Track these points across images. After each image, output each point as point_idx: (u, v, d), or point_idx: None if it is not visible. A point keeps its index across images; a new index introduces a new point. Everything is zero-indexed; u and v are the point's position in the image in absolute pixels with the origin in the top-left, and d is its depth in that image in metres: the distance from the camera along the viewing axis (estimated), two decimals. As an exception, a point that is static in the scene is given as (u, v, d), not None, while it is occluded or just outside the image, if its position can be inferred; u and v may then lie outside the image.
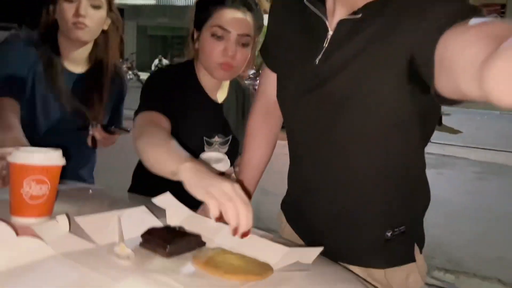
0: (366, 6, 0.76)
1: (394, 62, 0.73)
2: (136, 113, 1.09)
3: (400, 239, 0.90)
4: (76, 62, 1.33)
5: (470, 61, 0.52)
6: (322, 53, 0.82)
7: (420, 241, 0.96)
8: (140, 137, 0.95)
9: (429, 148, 0.90)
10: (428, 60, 0.65)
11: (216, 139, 1.24)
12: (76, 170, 1.39)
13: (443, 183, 5.02)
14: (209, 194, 0.72)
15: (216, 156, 1.16)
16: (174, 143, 0.89)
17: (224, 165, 1.13)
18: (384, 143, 0.82)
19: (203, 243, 0.80)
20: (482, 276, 2.84)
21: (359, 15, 0.76)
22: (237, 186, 0.73)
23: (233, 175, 1.17)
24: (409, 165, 0.88)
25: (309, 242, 0.98)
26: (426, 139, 0.88)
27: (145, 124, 1.02)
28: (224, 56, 1.14)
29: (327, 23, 0.82)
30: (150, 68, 16.14)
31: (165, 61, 16.63)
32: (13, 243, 0.64)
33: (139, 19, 19.42)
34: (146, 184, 1.25)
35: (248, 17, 1.15)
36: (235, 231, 0.72)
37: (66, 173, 1.29)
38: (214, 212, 0.71)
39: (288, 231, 1.04)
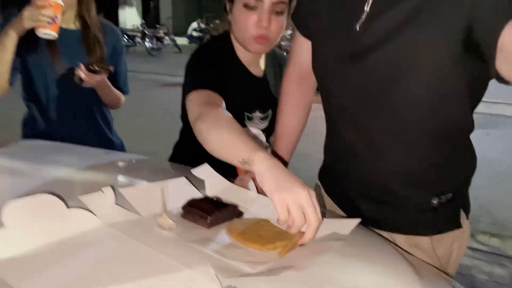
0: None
1: (451, 30, 0.70)
2: (186, 90, 1.04)
3: (446, 206, 0.89)
4: (66, 20, 1.43)
5: None
6: (363, 17, 0.79)
7: (466, 206, 0.94)
8: (202, 119, 0.89)
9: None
10: (491, 41, 0.66)
11: (257, 113, 1.23)
12: (90, 132, 1.52)
13: (491, 143, 4.80)
14: (282, 201, 0.69)
15: (252, 132, 1.16)
16: (242, 129, 0.85)
17: (260, 140, 1.13)
18: (436, 110, 0.79)
19: (241, 213, 0.82)
20: (530, 240, 2.75)
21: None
22: (313, 194, 0.72)
23: (269, 150, 1.16)
24: (459, 130, 0.86)
25: (350, 210, 0.98)
26: (476, 103, 0.84)
27: (204, 104, 0.96)
28: (259, 28, 1.09)
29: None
30: (186, 33, 16.12)
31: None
32: (64, 214, 0.69)
33: (173, -17, 19.26)
34: (186, 157, 1.29)
35: None
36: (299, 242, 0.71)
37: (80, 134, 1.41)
38: (282, 220, 0.70)
39: (327, 202, 1.04)
